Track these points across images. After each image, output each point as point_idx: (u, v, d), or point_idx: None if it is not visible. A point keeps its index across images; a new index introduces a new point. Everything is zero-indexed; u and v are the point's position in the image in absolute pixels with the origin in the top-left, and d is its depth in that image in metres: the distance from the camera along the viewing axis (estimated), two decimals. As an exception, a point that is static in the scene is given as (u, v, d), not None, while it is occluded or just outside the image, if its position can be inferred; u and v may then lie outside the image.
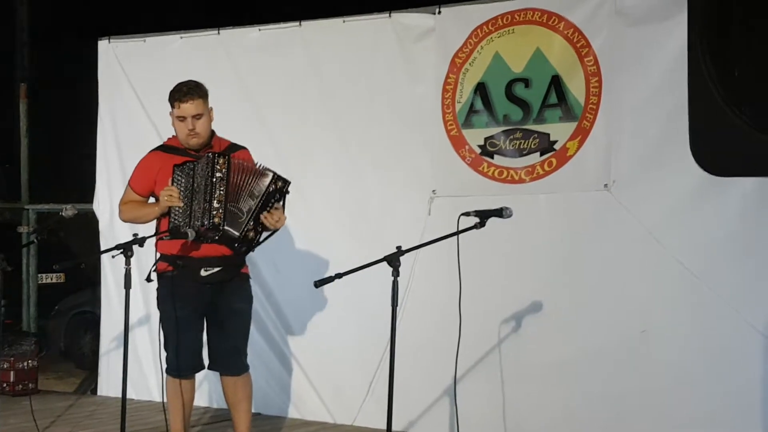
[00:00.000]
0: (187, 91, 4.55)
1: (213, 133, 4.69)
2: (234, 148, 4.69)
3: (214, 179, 4.42)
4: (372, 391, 5.73)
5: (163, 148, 4.73)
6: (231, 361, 4.69)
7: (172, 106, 4.59)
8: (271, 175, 4.49)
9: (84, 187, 7.44)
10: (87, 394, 7.08)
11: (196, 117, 4.55)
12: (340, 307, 5.86)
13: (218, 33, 6.36)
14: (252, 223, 4.47)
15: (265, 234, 4.56)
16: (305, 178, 5.73)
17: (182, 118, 4.56)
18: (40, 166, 9.42)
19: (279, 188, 4.51)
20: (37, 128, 9.09)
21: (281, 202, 4.53)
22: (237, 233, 4.46)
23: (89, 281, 8.82)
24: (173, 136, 4.68)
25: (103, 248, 6.56)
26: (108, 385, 6.75)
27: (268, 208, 4.47)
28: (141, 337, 6.43)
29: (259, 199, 4.46)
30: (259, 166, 4.55)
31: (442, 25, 5.65)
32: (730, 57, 4.45)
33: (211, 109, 4.65)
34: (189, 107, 4.54)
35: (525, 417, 5.33)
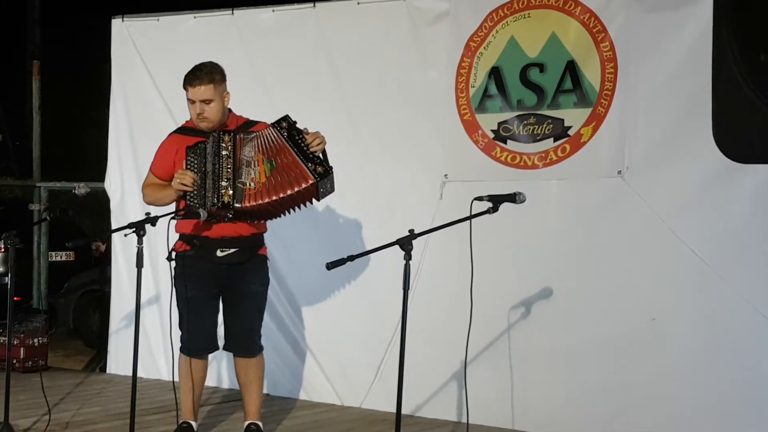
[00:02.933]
0: (199, 76, 4.55)
1: (228, 113, 4.69)
2: (250, 123, 4.70)
3: (221, 158, 4.43)
4: (380, 374, 5.74)
5: (181, 130, 4.75)
6: (245, 343, 4.71)
7: (184, 89, 4.60)
8: (271, 127, 4.48)
9: (95, 165, 7.45)
10: (96, 372, 7.11)
11: (205, 102, 4.55)
12: (350, 290, 5.86)
13: (232, 13, 6.35)
14: (311, 163, 4.43)
15: (325, 159, 4.51)
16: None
17: (192, 102, 4.58)
18: (51, 143, 9.42)
19: (289, 126, 4.47)
20: (49, 106, 9.09)
21: (302, 130, 4.49)
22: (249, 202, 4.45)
23: (98, 259, 8.85)
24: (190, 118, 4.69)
25: (114, 227, 6.57)
26: (117, 363, 6.78)
27: (303, 144, 4.44)
28: (150, 317, 6.44)
29: (293, 149, 4.43)
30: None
31: (456, 8, 5.62)
32: (755, 42, 4.40)
33: (228, 93, 4.63)
34: (197, 92, 4.54)
35: (533, 403, 5.33)
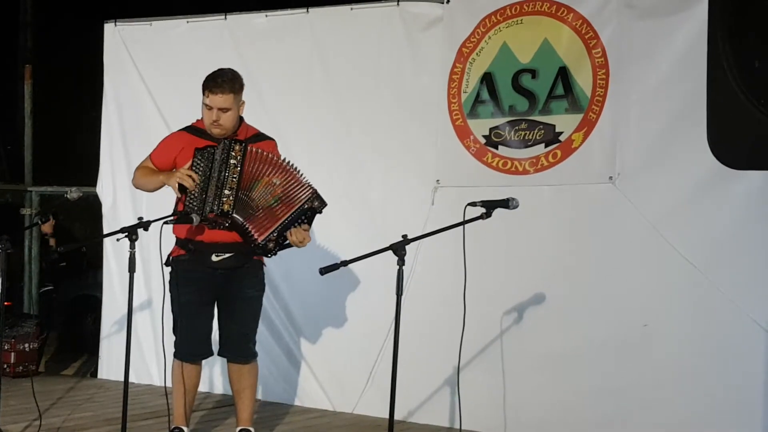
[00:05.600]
0: (220, 84, 4.50)
1: (241, 121, 4.67)
2: (259, 137, 4.68)
3: (229, 166, 4.42)
4: (372, 379, 5.74)
5: (190, 129, 4.71)
6: (239, 348, 4.70)
7: (203, 92, 4.56)
8: (310, 192, 4.52)
9: (87, 169, 7.44)
10: (87, 377, 7.08)
11: (223, 110, 4.52)
12: (343, 296, 5.86)
13: (225, 18, 6.35)
14: (276, 234, 4.48)
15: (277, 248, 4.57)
16: (308, 166, 5.69)
17: (209, 107, 4.55)
18: (43, 148, 9.40)
19: (314, 207, 4.52)
20: (41, 110, 9.07)
21: (310, 222, 4.53)
22: (245, 223, 4.45)
23: (89, 264, 8.83)
24: (201, 118, 4.66)
25: (105, 232, 6.56)
26: (108, 368, 6.75)
27: (296, 224, 4.48)
28: (142, 322, 6.43)
29: (291, 214, 4.48)
30: (287, 162, 4.53)
31: (450, 14, 5.63)
32: (750, 48, 4.40)
33: (243, 102, 4.62)
34: (217, 99, 4.51)
35: (525, 408, 5.33)
